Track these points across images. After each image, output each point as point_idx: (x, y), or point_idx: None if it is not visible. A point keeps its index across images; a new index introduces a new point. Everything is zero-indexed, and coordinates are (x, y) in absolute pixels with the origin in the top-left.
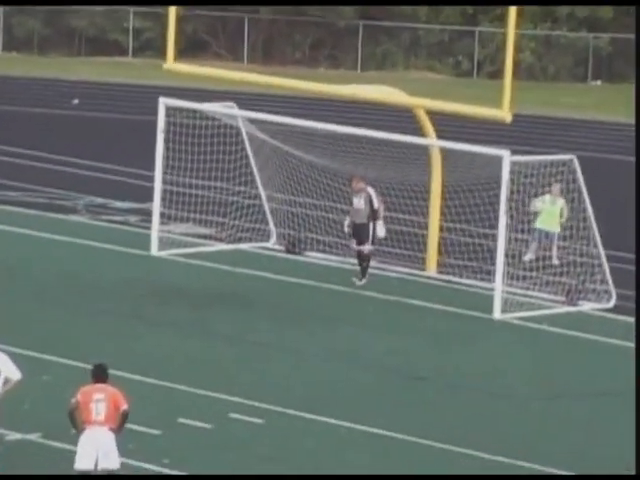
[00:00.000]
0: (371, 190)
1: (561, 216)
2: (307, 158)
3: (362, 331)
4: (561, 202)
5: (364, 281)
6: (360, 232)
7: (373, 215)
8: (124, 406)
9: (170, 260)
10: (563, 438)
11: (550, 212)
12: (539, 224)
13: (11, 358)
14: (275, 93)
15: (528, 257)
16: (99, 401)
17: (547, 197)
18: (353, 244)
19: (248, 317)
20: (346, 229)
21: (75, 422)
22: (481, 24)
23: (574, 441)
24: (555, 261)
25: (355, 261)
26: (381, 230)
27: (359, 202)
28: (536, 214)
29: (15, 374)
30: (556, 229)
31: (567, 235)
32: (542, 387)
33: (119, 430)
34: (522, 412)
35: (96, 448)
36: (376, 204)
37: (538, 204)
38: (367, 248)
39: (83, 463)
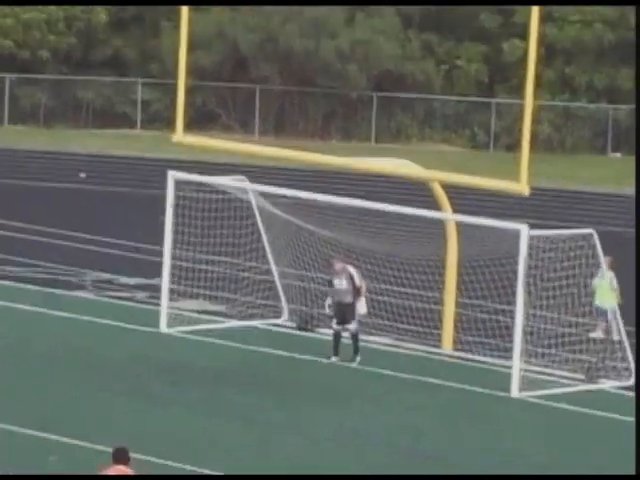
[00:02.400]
0: (351, 269)
1: (612, 288)
2: (320, 232)
3: (375, 409)
4: (610, 274)
5: (358, 359)
6: (345, 312)
7: (357, 293)
8: None
9: (179, 337)
10: None
11: (601, 287)
12: (596, 301)
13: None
14: (287, 166)
15: (594, 335)
16: None
17: (600, 272)
18: (333, 323)
19: (259, 395)
20: (327, 310)
21: None
22: (498, 95)
23: None
24: (615, 337)
25: (348, 340)
26: (362, 307)
27: (341, 283)
28: (594, 293)
29: None
30: (609, 303)
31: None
32: (561, 467)
33: None
34: None
35: None
36: (358, 282)
37: (595, 281)
38: (354, 327)
39: None
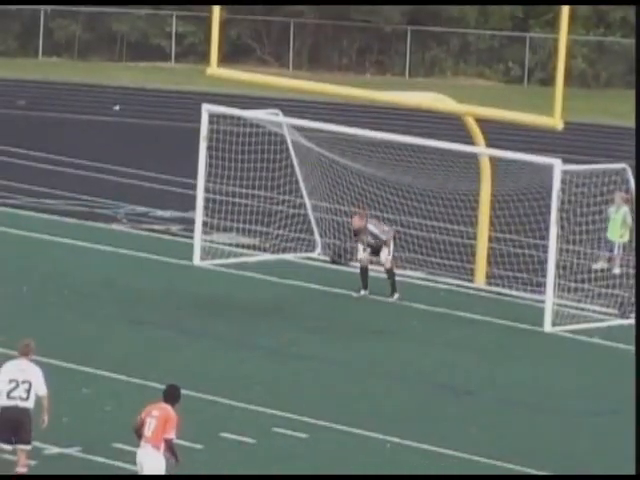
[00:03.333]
0: (370, 226)
1: (623, 224)
2: (353, 166)
3: (409, 344)
4: (624, 210)
5: (396, 296)
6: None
7: (384, 243)
8: (168, 434)
9: (212, 270)
10: (614, 455)
11: (614, 221)
12: (607, 234)
13: (45, 371)
14: (321, 100)
15: (596, 266)
16: (153, 417)
17: (614, 206)
18: (365, 253)
19: (292, 329)
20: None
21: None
22: (532, 30)
23: (626, 458)
24: (616, 271)
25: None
26: (385, 257)
27: (368, 239)
28: (607, 222)
29: (40, 389)
30: (617, 238)
31: (624, 246)
32: (593, 402)
33: (171, 457)
34: (573, 427)
35: (140, 463)
36: (383, 236)
37: (611, 212)
38: (388, 262)
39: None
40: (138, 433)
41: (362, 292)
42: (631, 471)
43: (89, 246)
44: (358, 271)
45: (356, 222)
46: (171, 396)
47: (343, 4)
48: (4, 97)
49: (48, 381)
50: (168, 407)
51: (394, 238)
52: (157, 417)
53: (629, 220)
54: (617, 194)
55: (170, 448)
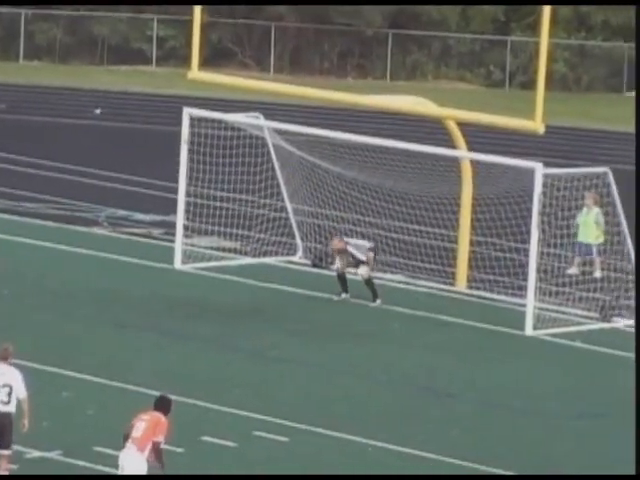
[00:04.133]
0: (351, 248)
1: (597, 225)
2: (334, 170)
3: (390, 347)
4: (595, 211)
5: (378, 301)
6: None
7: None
8: (156, 437)
9: (194, 274)
10: (596, 457)
11: (585, 223)
12: (578, 237)
13: (26, 374)
14: (302, 103)
15: (570, 271)
16: (142, 421)
17: (584, 209)
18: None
19: (272, 332)
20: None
21: None
22: (513, 33)
23: (607, 460)
24: (597, 274)
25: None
26: (363, 270)
27: (342, 266)
28: (577, 227)
29: (20, 392)
30: (593, 240)
31: (601, 250)
32: (574, 405)
33: (156, 461)
34: (554, 430)
35: (121, 465)
36: (363, 258)
37: (579, 217)
38: (364, 271)
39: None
40: (126, 437)
41: (343, 295)
42: (619, 473)
43: (70, 250)
44: (350, 278)
45: (336, 244)
46: (162, 406)
47: (322, 4)
48: None
49: (28, 384)
50: (158, 414)
51: (374, 255)
52: (147, 420)
53: (602, 221)
54: (588, 195)
55: (157, 452)
